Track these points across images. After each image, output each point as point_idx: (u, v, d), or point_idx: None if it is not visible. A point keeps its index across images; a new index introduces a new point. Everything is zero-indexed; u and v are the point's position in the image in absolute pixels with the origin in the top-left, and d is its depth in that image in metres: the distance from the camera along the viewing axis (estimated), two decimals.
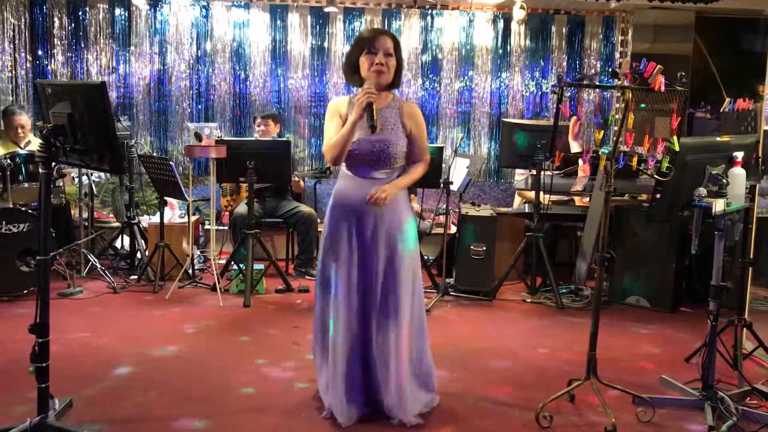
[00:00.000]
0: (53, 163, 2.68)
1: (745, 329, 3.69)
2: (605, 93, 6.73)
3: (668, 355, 4.02)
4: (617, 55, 6.74)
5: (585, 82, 3.02)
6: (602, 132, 3.09)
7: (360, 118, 2.83)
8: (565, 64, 6.79)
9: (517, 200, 6.22)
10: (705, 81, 6.42)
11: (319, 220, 5.88)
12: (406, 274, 2.95)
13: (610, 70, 2.93)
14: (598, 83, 3.13)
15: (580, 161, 3.18)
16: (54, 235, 5.28)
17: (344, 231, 2.94)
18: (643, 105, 2.99)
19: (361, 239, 2.94)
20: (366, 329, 2.95)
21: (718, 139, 3.13)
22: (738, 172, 3.05)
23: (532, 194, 5.27)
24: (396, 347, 2.91)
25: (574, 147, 5.60)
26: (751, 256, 3.82)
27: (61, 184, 5.57)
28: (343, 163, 2.99)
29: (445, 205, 5.14)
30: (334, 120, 2.96)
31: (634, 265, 5.02)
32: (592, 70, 6.63)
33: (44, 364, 2.62)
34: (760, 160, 3.34)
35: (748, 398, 3.30)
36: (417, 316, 3.04)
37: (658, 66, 2.83)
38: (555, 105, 2.92)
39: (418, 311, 3.05)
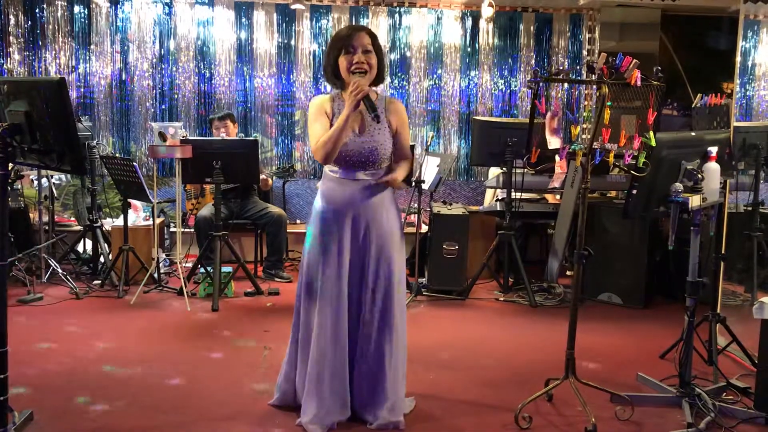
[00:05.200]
0: (10, 164, 2.55)
1: (718, 324, 3.69)
2: (572, 89, 6.76)
3: (643, 352, 4.02)
4: (585, 52, 6.76)
5: (561, 77, 2.98)
6: (578, 127, 3.05)
7: (353, 110, 2.72)
8: (533, 62, 6.79)
9: (488, 198, 6.20)
10: (671, 78, 6.44)
11: (288, 221, 5.79)
12: (399, 276, 2.90)
13: (585, 64, 2.89)
14: (572, 78, 3.10)
15: (557, 158, 3.14)
16: (12, 239, 5.12)
17: (334, 235, 2.85)
18: (609, 104, 2.96)
19: (353, 241, 2.86)
20: (354, 335, 2.88)
21: (692, 134, 3.12)
22: (713, 167, 3.04)
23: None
24: (390, 357, 2.86)
25: (553, 143, 5.58)
26: (723, 251, 3.84)
27: (19, 186, 5.39)
28: (329, 165, 2.90)
29: (416, 204, 5.09)
30: (320, 118, 2.85)
31: (605, 262, 5.02)
32: (561, 68, 6.64)
33: (2, 376, 2.49)
34: (733, 155, 3.35)
35: (725, 393, 3.30)
36: (402, 313, 2.97)
37: (634, 60, 2.81)
38: (531, 100, 2.86)
39: (401, 309, 2.98)
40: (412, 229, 5.39)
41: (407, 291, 4.97)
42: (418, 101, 6.75)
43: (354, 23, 6.55)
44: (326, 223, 2.87)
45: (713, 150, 3.02)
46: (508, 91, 6.82)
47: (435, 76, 6.75)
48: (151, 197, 5.03)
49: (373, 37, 2.84)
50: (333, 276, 2.83)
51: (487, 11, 6.32)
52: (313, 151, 2.84)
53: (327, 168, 2.92)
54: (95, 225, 5.42)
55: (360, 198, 2.86)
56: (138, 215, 5.64)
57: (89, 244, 5.72)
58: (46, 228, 5.53)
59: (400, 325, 2.94)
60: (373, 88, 2.94)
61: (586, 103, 6.83)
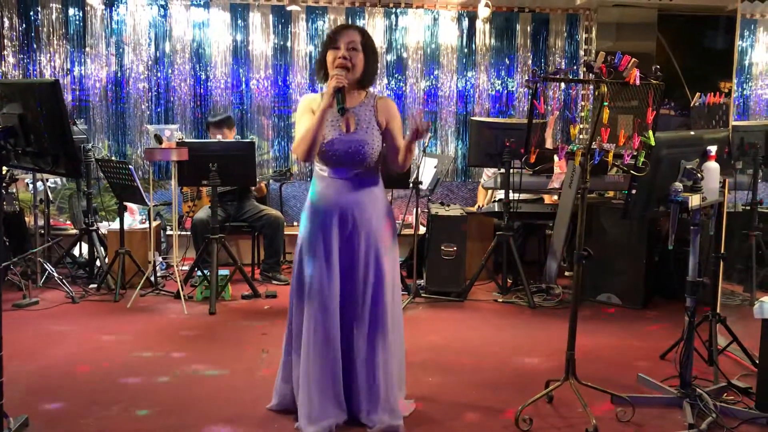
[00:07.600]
0: (4, 168, 2.52)
1: (718, 324, 3.67)
2: (570, 89, 6.75)
3: (643, 353, 4.00)
4: (581, 53, 6.75)
5: (560, 76, 2.96)
6: (578, 127, 3.03)
7: (329, 105, 2.71)
8: (530, 62, 6.78)
9: (481, 197, 6.19)
10: (668, 78, 6.42)
11: (285, 224, 5.76)
12: (391, 276, 2.88)
13: (583, 63, 2.87)
14: (571, 78, 3.08)
15: (556, 158, 3.12)
16: (7, 243, 5.09)
17: (322, 234, 2.83)
18: (605, 103, 2.95)
19: (342, 241, 2.83)
20: (347, 337, 2.85)
21: (691, 133, 3.11)
22: (712, 167, 3.03)
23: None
24: (384, 359, 2.83)
25: (550, 143, 5.58)
26: (723, 251, 3.82)
27: (14, 190, 5.36)
28: (318, 165, 2.88)
29: (414, 206, 5.06)
30: (305, 116, 2.84)
31: (604, 263, 4.99)
32: (558, 68, 6.63)
33: None
34: (731, 154, 3.34)
35: (726, 394, 3.29)
36: (396, 314, 2.95)
37: (633, 59, 2.79)
38: (529, 100, 2.84)
39: (397, 309, 2.96)
40: (410, 231, 5.37)
41: (405, 293, 4.97)
42: (415, 102, 6.73)
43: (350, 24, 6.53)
44: (314, 223, 2.85)
45: (713, 149, 3.01)
46: (505, 91, 6.81)
47: (432, 77, 6.74)
48: (147, 200, 5.00)
49: (365, 36, 2.82)
50: (323, 276, 2.80)
51: (483, 12, 6.32)
52: (293, 149, 2.87)
53: (317, 167, 2.90)
54: (91, 228, 5.39)
55: (349, 197, 2.84)
56: (134, 218, 5.61)
57: (85, 247, 5.68)
58: (42, 232, 5.50)
59: (395, 327, 2.92)
60: (369, 90, 2.93)
61: (583, 103, 6.82)
